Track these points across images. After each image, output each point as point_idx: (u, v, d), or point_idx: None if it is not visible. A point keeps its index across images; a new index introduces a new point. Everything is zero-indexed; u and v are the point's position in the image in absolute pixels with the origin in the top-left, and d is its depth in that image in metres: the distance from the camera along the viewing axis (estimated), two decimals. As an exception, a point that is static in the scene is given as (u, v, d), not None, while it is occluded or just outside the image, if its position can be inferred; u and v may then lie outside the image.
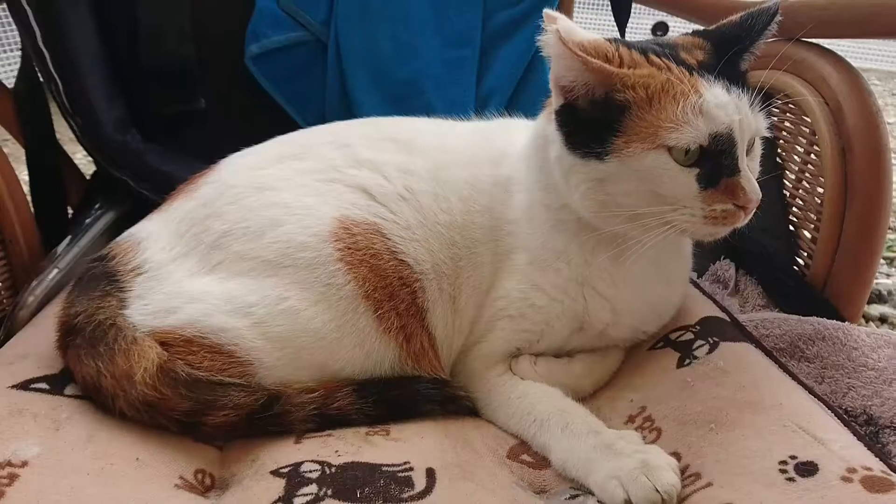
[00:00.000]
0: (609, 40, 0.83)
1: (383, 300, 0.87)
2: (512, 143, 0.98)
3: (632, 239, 0.83)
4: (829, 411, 0.79)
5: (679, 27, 1.44)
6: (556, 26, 0.77)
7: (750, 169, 0.81)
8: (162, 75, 1.31)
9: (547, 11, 0.82)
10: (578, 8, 1.49)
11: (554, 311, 0.92)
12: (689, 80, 0.79)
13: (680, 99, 0.77)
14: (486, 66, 1.48)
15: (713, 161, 0.79)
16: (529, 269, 0.92)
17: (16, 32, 1.24)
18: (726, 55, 0.82)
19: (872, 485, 0.65)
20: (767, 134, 0.84)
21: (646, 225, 0.81)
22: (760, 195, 0.79)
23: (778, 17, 0.86)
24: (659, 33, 1.45)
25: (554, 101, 0.84)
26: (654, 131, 0.78)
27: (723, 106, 0.78)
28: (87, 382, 0.82)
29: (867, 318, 1.99)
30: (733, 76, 0.81)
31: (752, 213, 0.81)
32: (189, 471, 0.78)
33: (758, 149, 0.85)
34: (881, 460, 0.71)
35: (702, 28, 0.89)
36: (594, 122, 0.80)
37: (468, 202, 0.94)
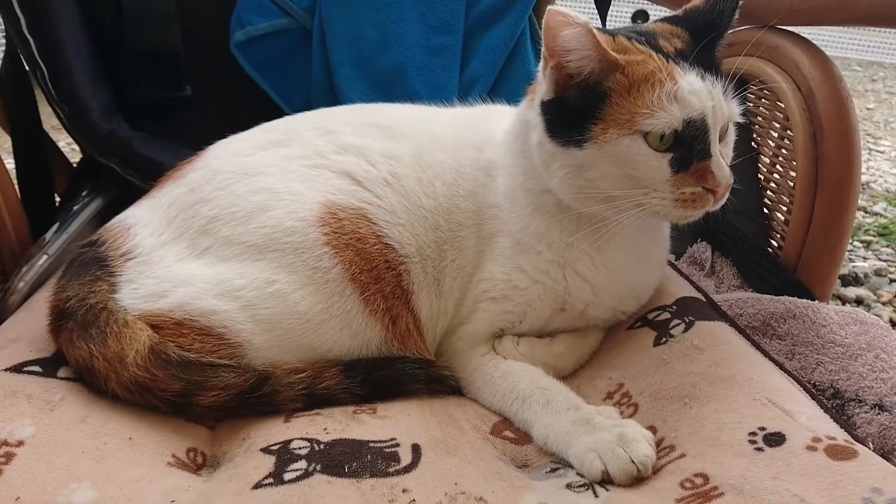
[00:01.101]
0: (598, 29, 0.85)
1: (369, 283, 0.89)
2: (495, 128, 1.00)
3: (609, 220, 0.85)
4: (798, 385, 0.83)
5: (659, 14, 1.46)
6: (583, 20, 0.78)
7: (723, 154, 0.84)
8: (147, 62, 1.31)
9: (556, 8, 0.81)
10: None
11: (536, 293, 0.94)
12: (666, 67, 0.81)
13: (656, 86, 0.80)
14: (470, 53, 1.49)
15: (686, 146, 0.81)
16: (512, 252, 0.94)
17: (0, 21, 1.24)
18: (704, 42, 0.85)
19: (835, 453, 0.69)
20: (740, 120, 0.86)
21: (620, 207, 0.83)
22: (731, 180, 0.82)
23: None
24: (640, 21, 1.47)
25: (542, 92, 0.86)
26: (630, 117, 0.80)
27: (697, 93, 0.80)
28: (80, 365, 0.83)
29: (843, 300, 2.04)
30: (708, 63, 0.84)
31: (725, 198, 0.84)
32: (181, 449, 0.80)
33: (731, 135, 0.87)
34: (845, 430, 0.74)
35: (674, 14, 0.91)
36: (575, 111, 0.83)
37: (452, 187, 0.96)
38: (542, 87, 0.87)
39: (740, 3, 0.88)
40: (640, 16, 1.41)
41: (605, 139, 0.81)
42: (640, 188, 0.83)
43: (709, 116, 0.81)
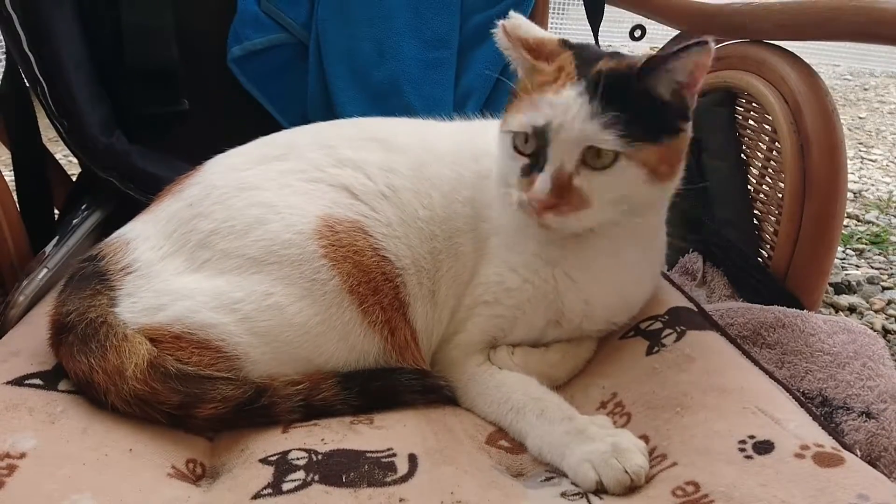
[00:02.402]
0: (561, 41, 0.91)
1: (367, 294, 0.90)
2: (493, 140, 1.02)
3: None
4: (788, 394, 0.84)
5: (657, 29, 1.49)
6: (502, 22, 0.89)
7: (598, 183, 0.82)
8: (146, 77, 1.32)
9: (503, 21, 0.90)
10: (553, 13, 1.54)
11: (526, 295, 0.94)
12: (559, 81, 0.84)
13: (530, 92, 0.85)
14: (464, 66, 1.51)
15: (537, 155, 0.85)
16: (502, 250, 0.95)
17: (1, 37, 1.26)
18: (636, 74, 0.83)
19: (823, 460, 0.70)
20: (603, 146, 0.81)
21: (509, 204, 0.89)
22: (542, 196, 0.82)
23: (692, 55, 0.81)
24: (637, 33, 1.49)
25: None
26: (510, 114, 0.88)
27: (553, 104, 0.82)
28: (80, 378, 0.83)
29: (836, 308, 2.05)
30: (616, 91, 0.81)
31: (550, 218, 0.84)
32: (180, 460, 0.81)
33: (618, 169, 0.82)
34: (833, 438, 0.76)
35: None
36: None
37: (450, 195, 0.97)
38: None
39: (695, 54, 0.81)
40: (638, 28, 1.43)
41: (500, 128, 0.90)
42: (509, 185, 0.89)
43: (551, 129, 0.82)
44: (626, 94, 0.82)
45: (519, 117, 0.85)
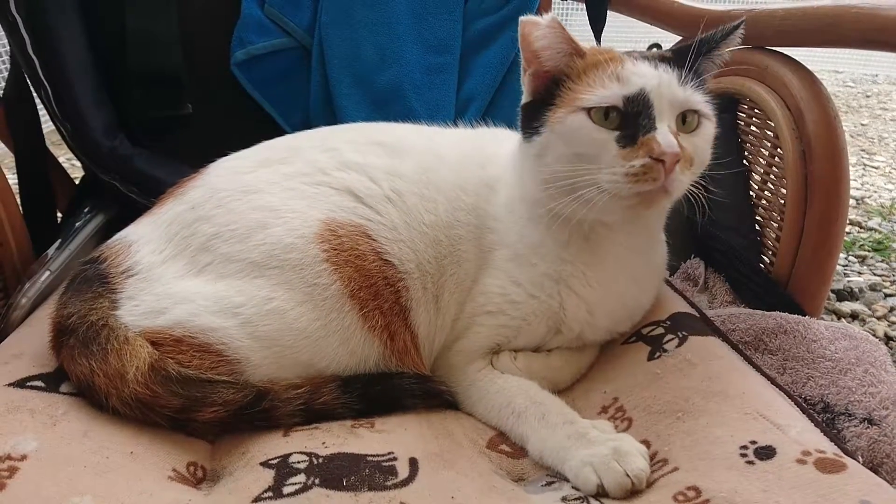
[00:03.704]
0: None
1: (368, 299, 0.90)
2: (500, 149, 1.02)
3: (584, 218, 0.89)
4: (789, 400, 0.84)
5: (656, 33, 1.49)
6: (550, 15, 0.87)
7: (693, 144, 0.86)
8: (150, 81, 1.33)
9: (528, 17, 0.89)
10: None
11: (531, 308, 0.95)
12: (620, 57, 0.87)
13: (601, 68, 0.86)
14: (466, 72, 1.52)
15: (632, 123, 0.84)
16: (509, 265, 0.95)
17: (5, 40, 1.26)
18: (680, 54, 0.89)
19: (825, 466, 0.70)
20: (698, 108, 0.87)
21: (581, 195, 0.85)
22: (676, 149, 0.81)
23: (740, 31, 0.91)
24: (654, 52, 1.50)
25: (523, 97, 0.92)
26: (574, 97, 0.86)
27: (640, 73, 0.85)
28: (81, 381, 0.84)
29: (838, 315, 2.05)
30: (675, 63, 0.87)
31: (677, 176, 0.83)
32: (181, 463, 0.81)
33: (704, 130, 0.88)
34: (835, 444, 0.75)
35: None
36: (540, 103, 0.89)
37: (454, 202, 0.97)
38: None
39: (740, 31, 0.91)
40: (655, 47, 1.43)
41: (554, 120, 0.87)
42: (592, 164, 0.85)
43: (651, 93, 0.84)
44: (693, 69, 0.88)
45: (599, 91, 0.85)
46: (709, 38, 0.90)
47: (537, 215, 0.94)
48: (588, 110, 0.84)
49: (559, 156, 0.87)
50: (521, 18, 0.87)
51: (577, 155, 0.85)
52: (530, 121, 0.90)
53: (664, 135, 0.82)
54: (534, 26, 0.87)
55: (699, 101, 0.87)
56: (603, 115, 0.84)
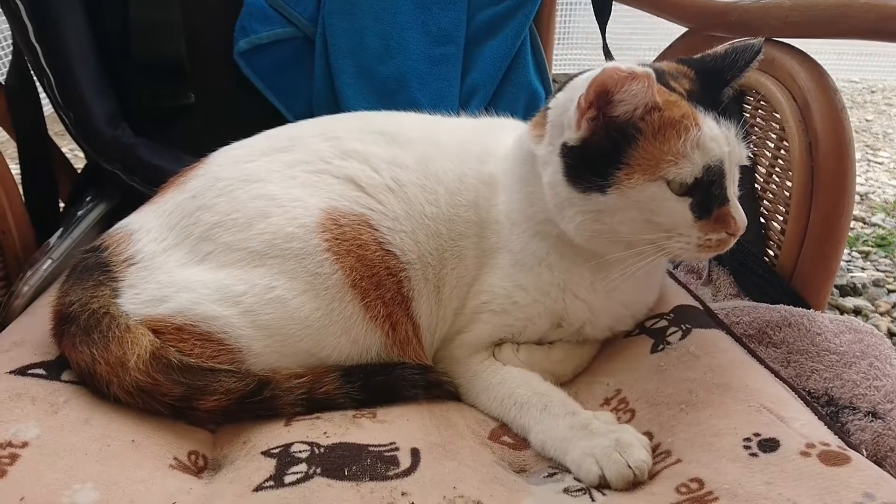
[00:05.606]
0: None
1: (370, 289, 0.90)
2: (499, 142, 1.01)
3: (623, 262, 0.86)
4: (793, 393, 0.84)
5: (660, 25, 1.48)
6: (643, 70, 0.76)
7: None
8: (152, 70, 1.33)
9: (616, 66, 0.77)
10: (560, 11, 1.53)
11: (535, 310, 0.95)
12: (692, 112, 0.81)
13: (682, 132, 0.80)
14: (470, 62, 1.51)
15: (705, 191, 0.82)
16: (513, 270, 0.94)
17: (7, 28, 1.26)
18: (710, 87, 0.86)
19: (828, 459, 0.70)
20: (747, 163, 0.87)
21: (642, 252, 0.84)
22: (745, 221, 0.83)
23: (760, 56, 0.89)
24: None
25: (562, 135, 0.85)
26: (655, 163, 0.80)
27: (716, 139, 0.82)
28: (83, 369, 0.84)
29: (841, 311, 2.04)
30: (717, 106, 0.84)
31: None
32: (183, 452, 0.81)
33: (737, 175, 0.88)
34: (839, 437, 0.75)
35: (686, 57, 0.92)
36: (600, 155, 0.82)
37: (455, 195, 0.97)
38: (560, 129, 0.85)
39: (759, 56, 0.89)
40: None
41: (629, 185, 0.81)
42: (663, 232, 0.83)
43: (726, 163, 0.82)
44: (726, 110, 0.85)
45: (683, 164, 0.79)
46: (731, 65, 0.88)
47: (543, 231, 0.93)
48: (669, 180, 0.81)
49: (627, 219, 0.83)
50: (611, 67, 0.76)
51: (649, 221, 0.83)
52: (587, 172, 0.82)
53: (738, 210, 0.83)
54: (631, 80, 0.77)
55: (746, 154, 0.87)
56: (680, 183, 0.81)
